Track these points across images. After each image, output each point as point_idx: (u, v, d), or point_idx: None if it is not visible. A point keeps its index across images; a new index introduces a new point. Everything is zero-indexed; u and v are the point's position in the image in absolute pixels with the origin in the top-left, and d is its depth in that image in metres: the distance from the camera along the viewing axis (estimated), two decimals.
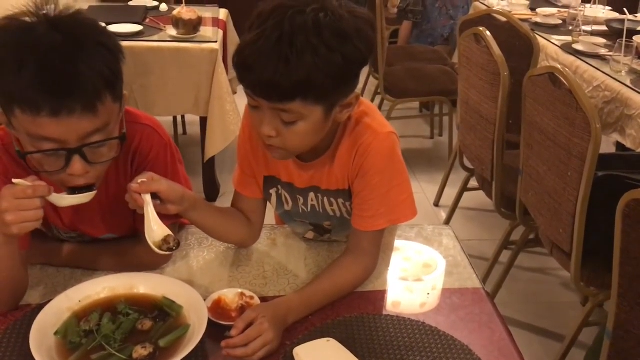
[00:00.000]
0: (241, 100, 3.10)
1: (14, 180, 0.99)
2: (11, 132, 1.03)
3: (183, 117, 3.77)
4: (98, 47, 0.99)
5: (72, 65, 0.95)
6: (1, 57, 0.96)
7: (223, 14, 3.29)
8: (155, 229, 1.10)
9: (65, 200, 1.06)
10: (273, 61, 0.98)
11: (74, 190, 1.06)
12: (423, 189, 3.40)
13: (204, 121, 2.93)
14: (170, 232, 1.11)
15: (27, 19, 0.99)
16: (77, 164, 1.01)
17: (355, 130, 1.18)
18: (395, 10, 4.51)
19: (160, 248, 1.10)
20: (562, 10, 3.61)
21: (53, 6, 1.00)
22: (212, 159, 3.08)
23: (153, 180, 1.09)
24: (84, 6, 3.20)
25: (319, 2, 1.03)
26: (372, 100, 4.11)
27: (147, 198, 1.08)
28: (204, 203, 1.25)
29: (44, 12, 1.00)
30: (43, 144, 0.98)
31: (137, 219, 1.26)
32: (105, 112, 1.00)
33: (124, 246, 1.27)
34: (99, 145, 1.03)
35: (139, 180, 1.08)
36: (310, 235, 1.39)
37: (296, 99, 1.01)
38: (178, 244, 1.11)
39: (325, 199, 1.27)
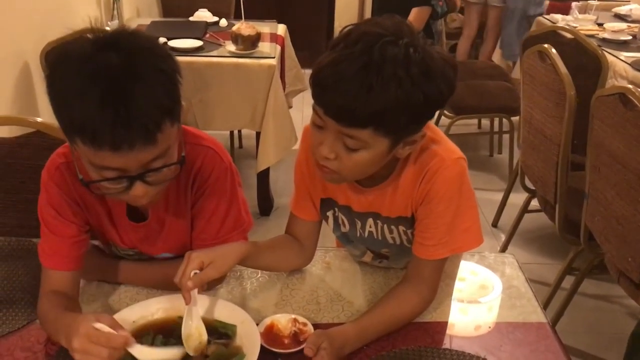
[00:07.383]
0: (296, 113, 3.13)
1: (96, 325, 0.97)
2: (73, 154, 1.06)
3: (239, 131, 3.79)
4: (157, 74, 0.96)
5: (131, 99, 0.92)
6: (64, 88, 0.95)
7: (281, 29, 3.30)
8: (194, 331, 1.05)
9: (149, 355, 1.02)
10: (355, 87, 0.95)
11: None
12: (481, 209, 3.30)
13: (259, 136, 2.94)
14: (206, 338, 1.06)
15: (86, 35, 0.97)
16: (138, 188, 1.02)
17: (421, 157, 1.14)
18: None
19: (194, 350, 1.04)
20: (632, 25, 3.46)
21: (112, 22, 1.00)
22: (267, 174, 3.08)
23: (203, 273, 1.05)
24: (146, 21, 3.28)
25: (409, 36, 0.99)
26: None
27: (195, 295, 1.05)
28: (254, 250, 1.19)
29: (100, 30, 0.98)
30: (105, 172, 0.99)
31: (193, 241, 1.26)
32: (164, 139, 0.99)
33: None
34: (160, 170, 1.03)
35: (192, 273, 1.04)
36: (367, 258, 1.35)
37: (368, 127, 0.99)
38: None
39: (385, 226, 1.24)
